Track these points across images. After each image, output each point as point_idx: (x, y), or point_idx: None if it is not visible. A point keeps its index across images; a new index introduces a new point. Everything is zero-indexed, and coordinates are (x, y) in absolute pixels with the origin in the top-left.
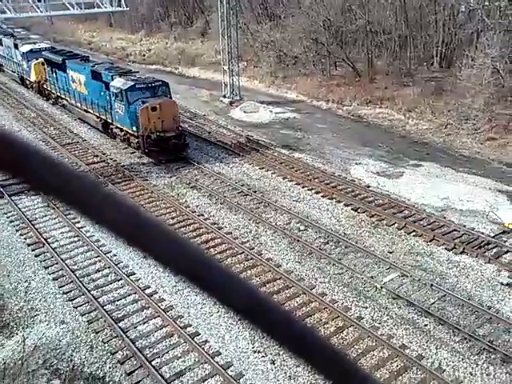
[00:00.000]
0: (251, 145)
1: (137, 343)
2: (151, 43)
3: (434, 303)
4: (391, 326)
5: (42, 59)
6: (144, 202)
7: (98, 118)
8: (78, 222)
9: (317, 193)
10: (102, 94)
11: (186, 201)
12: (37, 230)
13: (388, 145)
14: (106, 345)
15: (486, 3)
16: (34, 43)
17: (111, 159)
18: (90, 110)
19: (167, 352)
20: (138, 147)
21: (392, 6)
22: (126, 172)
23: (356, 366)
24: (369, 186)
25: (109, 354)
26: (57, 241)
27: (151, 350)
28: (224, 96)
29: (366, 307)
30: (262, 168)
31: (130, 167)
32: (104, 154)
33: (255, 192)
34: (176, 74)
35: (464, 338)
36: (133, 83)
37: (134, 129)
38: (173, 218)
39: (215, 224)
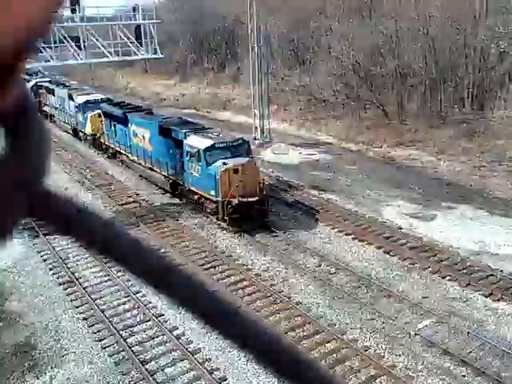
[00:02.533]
0: (281, 185)
1: None
2: (185, 88)
3: (471, 352)
4: (426, 376)
5: (99, 111)
6: (174, 242)
7: (165, 178)
8: (109, 261)
9: (347, 234)
10: (172, 151)
11: (215, 241)
12: (69, 269)
13: (420, 187)
14: None
15: None
16: (89, 94)
17: (143, 200)
18: (155, 169)
19: None
20: (215, 213)
21: (421, 50)
22: (157, 212)
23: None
24: (401, 228)
25: None
26: (87, 280)
27: None
28: (254, 138)
29: (400, 355)
30: (291, 208)
31: (161, 208)
32: (137, 194)
33: (284, 233)
34: (209, 117)
35: None
36: (212, 142)
37: (212, 193)
38: (202, 259)
39: (244, 265)
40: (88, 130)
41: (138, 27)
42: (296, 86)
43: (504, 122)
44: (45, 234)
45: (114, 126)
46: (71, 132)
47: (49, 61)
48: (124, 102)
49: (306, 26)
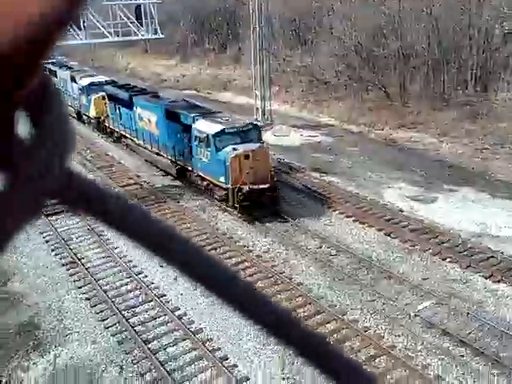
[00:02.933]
0: (282, 168)
1: (166, 365)
2: (186, 69)
3: (470, 333)
4: (425, 356)
5: (103, 94)
6: (176, 224)
7: (172, 162)
8: (112, 242)
9: (348, 217)
10: (179, 136)
11: (216, 223)
12: (71, 250)
13: (422, 169)
14: (136, 366)
15: None
16: (93, 76)
17: (145, 181)
18: (162, 153)
19: (195, 376)
20: (224, 200)
21: (425, 30)
22: (158, 194)
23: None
24: (402, 211)
25: (138, 376)
26: (90, 261)
27: (180, 372)
28: (256, 120)
29: (399, 335)
30: (292, 191)
31: (162, 189)
32: (138, 176)
33: (286, 215)
34: (209, 98)
35: (503, 372)
36: (222, 127)
37: (222, 179)
38: (203, 241)
39: (245, 247)
40: (92, 113)
41: (138, 7)
42: (297, 67)
43: (507, 105)
44: (47, 215)
45: (119, 109)
46: (75, 115)
47: None
48: (129, 85)
49: (307, 5)
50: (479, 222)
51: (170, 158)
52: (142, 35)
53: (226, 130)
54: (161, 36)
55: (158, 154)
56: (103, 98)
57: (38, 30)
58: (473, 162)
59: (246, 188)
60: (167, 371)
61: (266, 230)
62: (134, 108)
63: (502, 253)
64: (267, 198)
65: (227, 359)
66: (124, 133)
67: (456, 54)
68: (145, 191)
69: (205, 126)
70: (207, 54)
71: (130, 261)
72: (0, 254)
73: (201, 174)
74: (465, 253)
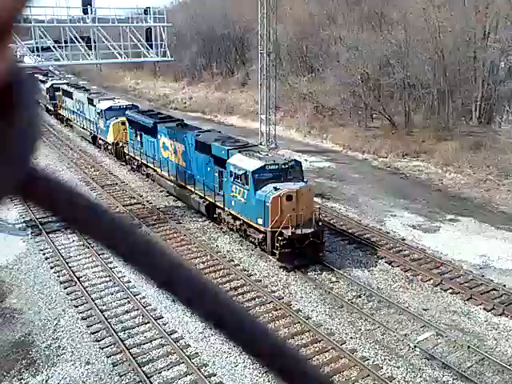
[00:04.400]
0: None
1: None
2: (193, 92)
3: (470, 367)
4: None
5: (123, 119)
6: (176, 245)
7: (200, 198)
8: (111, 262)
9: (350, 243)
10: (210, 170)
11: (217, 245)
12: (70, 268)
13: (424, 198)
14: None
15: None
16: (113, 99)
17: (147, 201)
18: (189, 187)
19: None
20: (261, 244)
21: (430, 61)
22: (160, 214)
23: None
24: (404, 239)
25: None
26: (88, 280)
27: None
28: (260, 144)
29: (399, 367)
30: None
31: (164, 210)
32: (141, 196)
33: None
34: (215, 121)
35: None
36: (262, 164)
37: (260, 221)
38: (203, 263)
39: (245, 271)
40: (110, 138)
41: (148, 29)
42: (304, 94)
43: (511, 137)
44: (48, 232)
45: (141, 136)
46: (90, 139)
47: (59, 60)
48: (153, 111)
49: (315, 33)
50: (481, 254)
51: (198, 192)
52: (152, 57)
53: (267, 167)
54: (170, 59)
55: (182, 186)
56: (123, 123)
57: None
58: (476, 192)
59: (287, 233)
60: None
61: (265, 254)
62: (158, 136)
63: (505, 286)
64: (310, 245)
65: None
66: (145, 162)
67: (461, 85)
68: (146, 211)
69: (242, 162)
70: (215, 78)
71: (129, 281)
72: None
73: (234, 213)
74: (466, 284)
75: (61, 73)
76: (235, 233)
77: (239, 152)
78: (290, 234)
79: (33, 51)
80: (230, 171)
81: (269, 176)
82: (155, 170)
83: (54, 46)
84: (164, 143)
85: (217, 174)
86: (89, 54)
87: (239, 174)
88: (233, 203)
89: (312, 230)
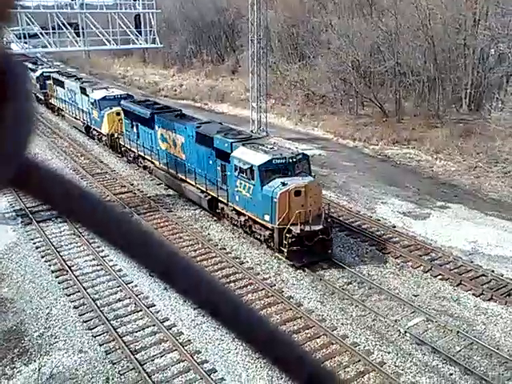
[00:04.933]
0: None
1: (153, 377)
2: (183, 79)
3: (459, 351)
4: (415, 373)
5: (118, 109)
6: (168, 234)
7: (202, 192)
8: (102, 250)
9: (341, 231)
10: (212, 163)
11: (208, 234)
12: (61, 257)
13: (415, 185)
14: (123, 377)
15: None
16: (106, 89)
17: (138, 190)
18: (189, 181)
19: None
20: (267, 241)
21: (421, 48)
22: (151, 203)
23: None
24: (394, 227)
25: None
26: (80, 269)
27: None
28: (251, 131)
29: (389, 352)
30: None
31: (155, 198)
32: (132, 184)
33: None
34: (205, 109)
35: None
36: (269, 158)
37: (267, 218)
38: (195, 251)
39: (237, 258)
40: (104, 129)
41: (137, 16)
42: (294, 81)
43: (500, 124)
44: (38, 222)
45: (137, 127)
46: (83, 129)
47: (47, 47)
48: (149, 100)
49: (306, 20)
50: (471, 240)
51: (199, 187)
52: (141, 44)
53: (274, 161)
54: (159, 45)
55: (183, 180)
56: (118, 113)
57: None
58: (465, 179)
59: (296, 230)
60: (154, 383)
61: (257, 241)
62: (156, 127)
63: (493, 271)
64: (319, 242)
65: (215, 372)
66: (142, 154)
67: (451, 72)
68: (137, 199)
69: (247, 155)
70: (205, 65)
71: (120, 270)
72: None
73: (238, 208)
74: (456, 270)
75: (48, 60)
76: (239, 228)
77: (243, 145)
78: (298, 231)
79: (19, 38)
80: (235, 165)
81: (275, 170)
82: (153, 163)
83: (41, 33)
84: (162, 135)
85: (219, 168)
86: (77, 41)
87: (244, 169)
88: (237, 198)
89: (321, 226)
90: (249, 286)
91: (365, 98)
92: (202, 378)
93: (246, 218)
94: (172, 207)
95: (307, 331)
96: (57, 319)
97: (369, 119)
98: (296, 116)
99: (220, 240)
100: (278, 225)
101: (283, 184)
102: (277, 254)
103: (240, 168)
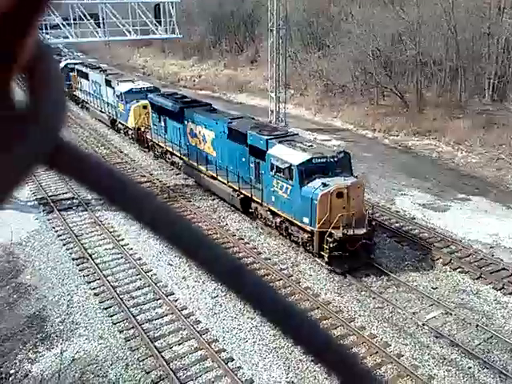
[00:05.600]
0: None
1: (171, 364)
2: (202, 69)
3: (479, 345)
4: (432, 366)
5: (145, 102)
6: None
7: (234, 191)
8: (123, 239)
9: None
10: (245, 161)
11: (226, 224)
12: (82, 245)
13: (435, 177)
14: (141, 363)
15: None
16: (133, 81)
17: (157, 179)
18: (220, 178)
19: (200, 376)
20: (305, 244)
21: (443, 38)
22: (170, 193)
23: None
24: (414, 218)
25: (143, 373)
26: (100, 257)
27: (185, 372)
28: (270, 122)
29: (407, 344)
30: None
31: (174, 188)
32: (151, 174)
33: None
34: (224, 99)
35: None
36: (309, 156)
37: (306, 220)
38: (213, 240)
39: (254, 249)
40: (130, 123)
41: (157, 6)
42: (314, 71)
43: None
44: (59, 210)
45: (165, 121)
46: (108, 123)
47: (68, 37)
48: (177, 94)
49: (326, 9)
50: (491, 233)
51: (231, 185)
52: (160, 34)
53: (314, 161)
54: (179, 36)
55: (213, 177)
56: (144, 106)
57: None
58: (487, 171)
59: (337, 233)
60: (172, 370)
61: (275, 232)
62: (185, 122)
63: None
64: (362, 247)
65: (232, 360)
66: (171, 149)
67: (474, 62)
68: (157, 189)
69: (285, 154)
70: (224, 55)
71: (140, 258)
72: None
73: (274, 209)
74: (476, 263)
75: (70, 51)
76: (273, 229)
77: (280, 142)
78: (340, 235)
79: (41, 29)
80: (271, 164)
81: (316, 170)
82: (181, 159)
83: (62, 24)
84: (192, 130)
85: (253, 166)
86: (97, 32)
87: (282, 168)
88: (273, 199)
89: (365, 230)
90: (266, 277)
91: (385, 88)
92: (219, 367)
93: (282, 219)
94: (191, 197)
95: (325, 322)
96: (78, 306)
97: (389, 109)
98: (315, 106)
99: (237, 230)
100: (318, 228)
101: (324, 185)
102: (318, 260)
103: (277, 167)
